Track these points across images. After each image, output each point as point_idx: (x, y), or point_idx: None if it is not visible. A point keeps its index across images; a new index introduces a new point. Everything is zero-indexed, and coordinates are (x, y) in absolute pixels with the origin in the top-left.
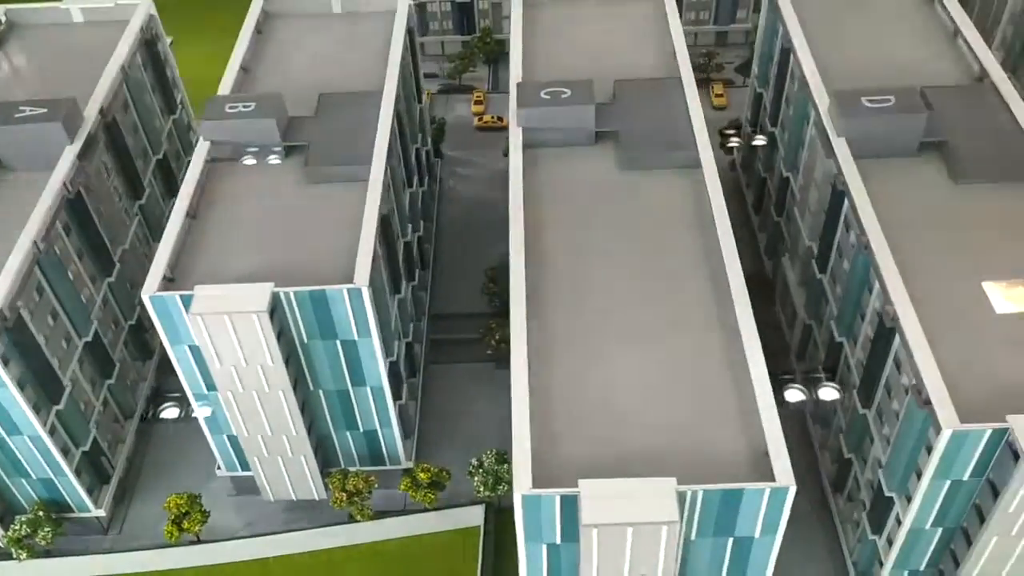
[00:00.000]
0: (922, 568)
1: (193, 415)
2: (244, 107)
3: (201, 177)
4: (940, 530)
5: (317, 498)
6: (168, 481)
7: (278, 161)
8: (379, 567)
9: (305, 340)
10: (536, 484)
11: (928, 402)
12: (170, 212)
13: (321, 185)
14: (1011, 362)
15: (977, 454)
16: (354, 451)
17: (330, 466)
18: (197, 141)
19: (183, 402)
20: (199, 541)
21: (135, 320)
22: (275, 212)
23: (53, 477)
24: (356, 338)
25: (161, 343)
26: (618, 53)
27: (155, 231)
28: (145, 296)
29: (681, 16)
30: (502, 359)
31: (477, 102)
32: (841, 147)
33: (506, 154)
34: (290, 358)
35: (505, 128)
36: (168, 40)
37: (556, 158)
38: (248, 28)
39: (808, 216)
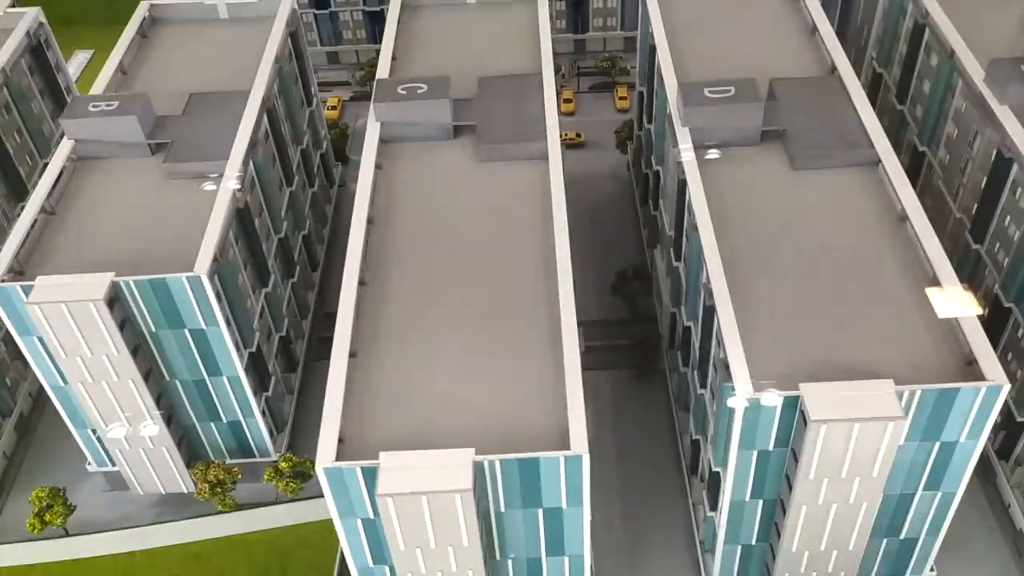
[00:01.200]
0: (753, 542)
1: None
2: (107, 106)
3: (61, 174)
4: (760, 502)
5: (186, 491)
6: (45, 479)
7: None
8: (245, 558)
9: (153, 329)
10: (343, 458)
11: (730, 374)
12: None
13: (180, 181)
14: (817, 335)
15: (776, 423)
16: (221, 443)
17: (198, 459)
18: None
19: None
20: (67, 535)
21: None
22: (133, 207)
23: None
24: (204, 327)
25: None
26: (490, 55)
27: None
28: None
29: (589, 23)
30: None
31: None
32: (684, 137)
33: None
34: (139, 348)
35: None
36: (89, 52)
37: (414, 151)
38: (130, 32)
39: (667, 206)
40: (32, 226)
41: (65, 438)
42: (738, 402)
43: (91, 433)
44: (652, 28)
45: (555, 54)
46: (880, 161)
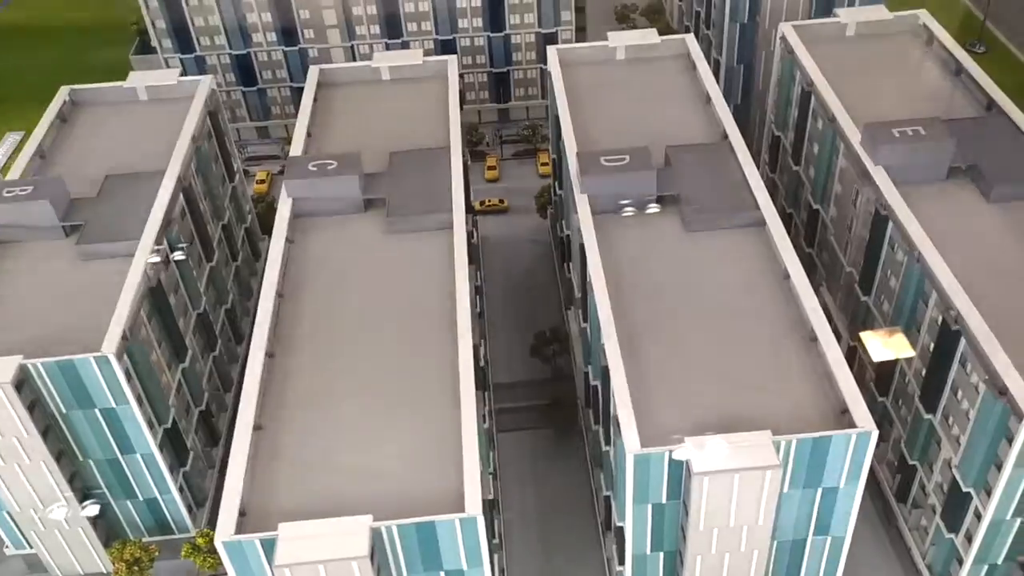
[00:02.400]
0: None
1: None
2: (21, 190)
3: None
4: (661, 555)
5: (104, 571)
6: None
7: None
8: None
9: (64, 410)
10: (244, 530)
11: (620, 431)
12: None
13: (94, 262)
14: (703, 389)
15: (665, 477)
16: (139, 521)
17: (117, 538)
18: None
19: None
20: None
21: None
22: (44, 290)
23: None
24: (115, 406)
25: None
26: (403, 129)
27: None
28: None
29: (510, 94)
30: None
31: None
32: (582, 203)
33: None
34: (49, 429)
35: None
36: (20, 134)
37: (325, 225)
38: (49, 116)
39: (575, 268)
40: None
41: None
42: (628, 457)
43: (7, 516)
44: (556, 100)
45: (479, 123)
46: (766, 222)
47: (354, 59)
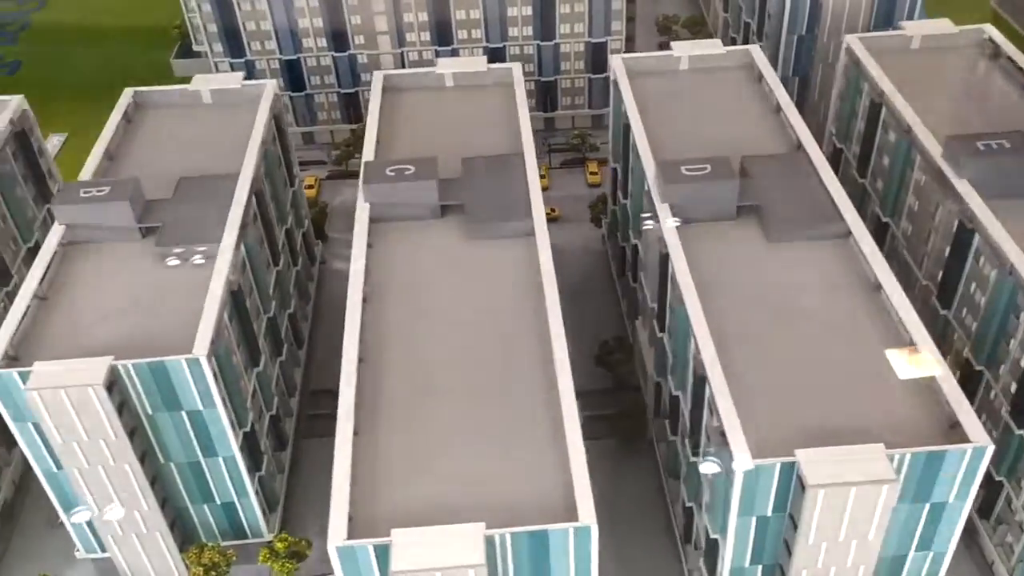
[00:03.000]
0: None
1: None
2: (98, 191)
3: (53, 259)
4: (760, 568)
5: None
6: (30, 568)
7: None
8: None
9: (150, 412)
10: (354, 536)
11: (727, 441)
12: None
13: (172, 263)
14: (808, 402)
15: (773, 489)
16: (214, 525)
17: (190, 542)
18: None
19: None
20: None
21: None
22: (127, 290)
23: None
24: (202, 408)
25: None
26: (470, 135)
27: None
28: None
29: (557, 102)
30: None
31: None
32: (665, 212)
33: None
34: (136, 431)
35: None
36: (63, 136)
37: (402, 231)
38: (115, 118)
39: (648, 278)
40: (25, 312)
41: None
42: (737, 469)
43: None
44: (625, 108)
45: None
46: (851, 233)
47: (403, 66)
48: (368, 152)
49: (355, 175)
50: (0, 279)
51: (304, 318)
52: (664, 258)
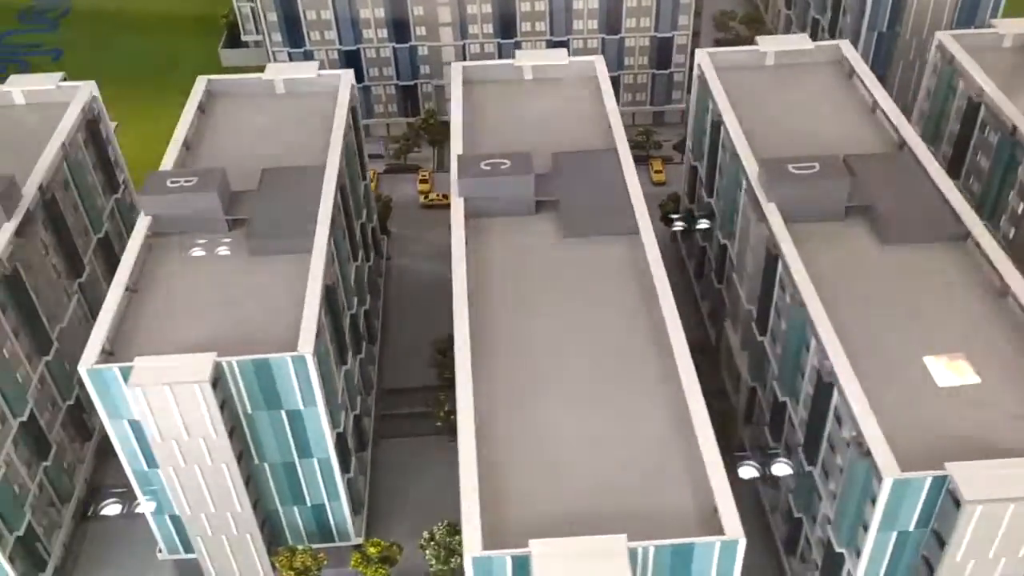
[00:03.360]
0: None
1: (138, 510)
2: (186, 182)
3: (141, 251)
4: None
5: None
6: (108, 568)
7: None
8: None
9: (249, 411)
10: (486, 547)
11: (868, 453)
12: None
13: (263, 257)
14: (947, 412)
15: (920, 504)
16: (302, 527)
17: (277, 544)
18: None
19: (126, 497)
20: None
21: (73, 400)
22: (217, 284)
23: None
24: (302, 408)
25: (101, 424)
26: (555, 129)
27: (95, 310)
28: (82, 369)
29: (619, 98)
30: (452, 431)
31: (423, 181)
32: (772, 212)
33: None
34: (234, 430)
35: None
36: (113, 124)
37: (497, 227)
38: (191, 106)
39: (746, 280)
40: (119, 305)
41: (126, 522)
42: (883, 482)
43: (168, 519)
44: (718, 105)
45: None
46: (969, 235)
47: (464, 58)
48: (456, 144)
49: (413, 169)
50: (73, 270)
51: (375, 314)
52: (772, 259)
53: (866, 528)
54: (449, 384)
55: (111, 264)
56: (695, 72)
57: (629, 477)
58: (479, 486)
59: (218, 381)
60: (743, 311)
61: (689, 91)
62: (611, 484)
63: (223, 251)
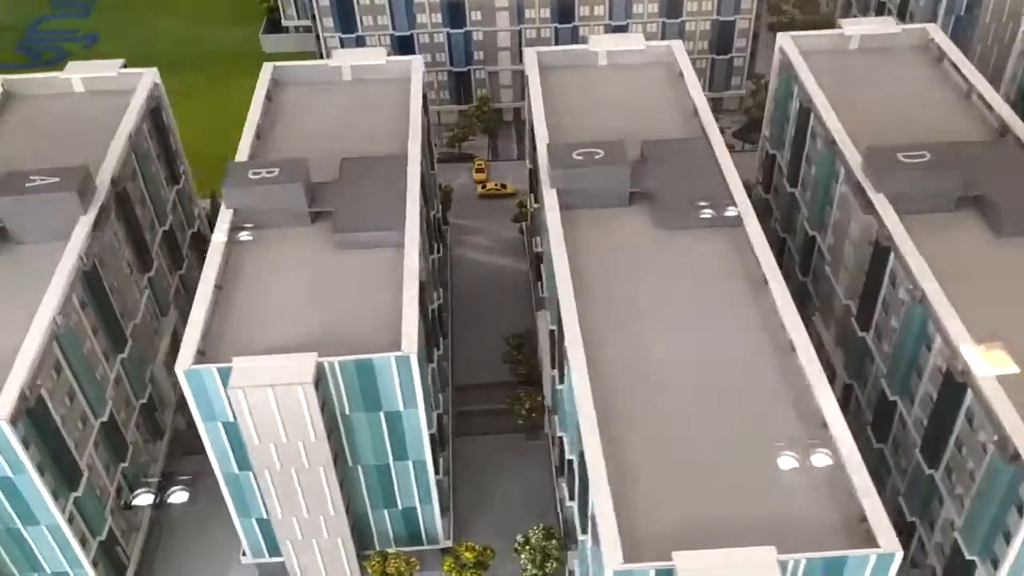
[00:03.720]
0: None
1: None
2: (268, 172)
3: (226, 246)
4: None
5: None
6: (185, 571)
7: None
8: None
9: (347, 412)
10: (627, 559)
11: (1017, 457)
12: (176, 284)
13: (350, 251)
14: None
15: None
16: (391, 530)
17: (364, 548)
18: (199, 212)
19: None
20: None
21: (146, 398)
22: (304, 280)
23: (69, 570)
24: (402, 409)
25: (172, 423)
26: (636, 116)
27: (163, 305)
28: (179, 370)
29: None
30: (533, 430)
31: (478, 170)
32: (882, 203)
33: (515, 220)
34: (331, 432)
35: (510, 195)
36: None
37: (590, 220)
38: (259, 94)
39: (843, 274)
40: (210, 304)
41: (201, 525)
42: None
43: (255, 522)
44: (807, 90)
45: None
46: None
47: (520, 44)
48: (541, 133)
49: (467, 158)
50: (143, 264)
51: (445, 308)
52: (882, 252)
53: (1008, 537)
54: (526, 381)
55: (175, 258)
56: (776, 56)
57: (766, 481)
58: (614, 494)
59: (319, 382)
60: (838, 306)
61: (750, 77)
62: (749, 488)
63: (307, 245)
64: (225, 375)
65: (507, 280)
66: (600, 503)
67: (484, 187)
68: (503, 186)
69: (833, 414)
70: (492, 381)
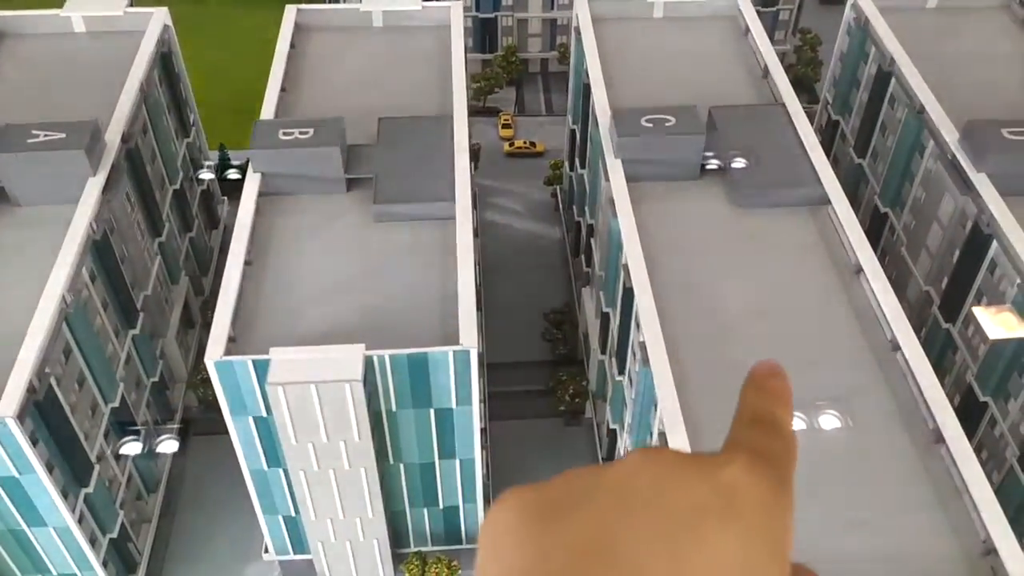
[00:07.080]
0: None
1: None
2: (301, 133)
3: (255, 215)
4: None
5: None
6: (200, 566)
7: None
8: None
9: (393, 409)
10: None
11: None
12: (187, 247)
13: (391, 224)
14: None
15: None
16: (428, 530)
17: (399, 547)
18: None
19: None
20: None
21: (158, 376)
22: (341, 257)
23: (78, 572)
24: (454, 406)
25: (184, 403)
26: (699, 76)
27: (173, 272)
28: (209, 362)
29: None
30: (574, 415)
31: (505, 126)
32: (984, 184)
33: (548, 183)
34: (374, 430)
35: (539, 154)
36: None
37: (656, 194)
38: (283, 44)
39: (926, 258)
40: (240, 284)
41: (214, 519)
42: None
43: (282, 520)
44: (887, 52)
45: None
46: None
47: None
48: (600, 96)
49: (492, 112)
50: (154, 229)
51: (480, 282)
52: (982, 238)
53: None
54: (564, 360)
55: (186, 220)
56: (847, 13)
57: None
58: None
59: (366, 378)
60: (917, 292)
61: (795, 32)
62: (869, 510)
63: (343, 217)
64: (261, 368)
65: (540, 248)
66: None
67: (512, 145)
68: (532, 144)
69: (939, 406)
70: (527, 360)
